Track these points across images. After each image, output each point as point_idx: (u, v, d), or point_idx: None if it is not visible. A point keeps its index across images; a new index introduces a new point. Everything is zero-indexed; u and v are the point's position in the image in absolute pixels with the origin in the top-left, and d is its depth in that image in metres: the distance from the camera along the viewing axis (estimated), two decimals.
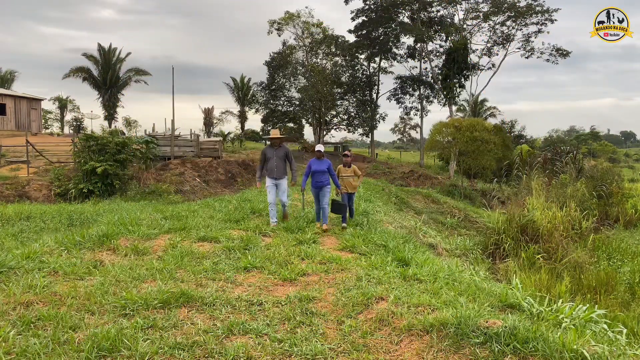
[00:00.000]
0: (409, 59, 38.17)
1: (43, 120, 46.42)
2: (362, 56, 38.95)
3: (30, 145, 19.28)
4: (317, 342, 3.57)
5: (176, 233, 7.13)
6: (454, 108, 37.02)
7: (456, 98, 35.91)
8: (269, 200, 8.24)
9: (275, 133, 8.59)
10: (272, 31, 38.74)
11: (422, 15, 35.02)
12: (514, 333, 3.39)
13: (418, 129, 49.35)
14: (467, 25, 34.35)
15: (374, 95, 39.50)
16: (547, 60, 33.28)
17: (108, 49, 43.19)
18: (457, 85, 33.47)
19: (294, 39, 39.57)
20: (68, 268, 5.10)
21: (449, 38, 34.35)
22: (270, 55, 39.39)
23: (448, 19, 35.23)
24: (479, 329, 3.53)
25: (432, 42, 35.76)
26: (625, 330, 4.50)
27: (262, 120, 40.83)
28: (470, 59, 33.48)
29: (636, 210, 17.97)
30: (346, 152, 9.27)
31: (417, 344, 3.52)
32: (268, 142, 8.28)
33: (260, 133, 46.91)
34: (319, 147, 8.46)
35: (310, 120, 40.56)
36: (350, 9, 48.04)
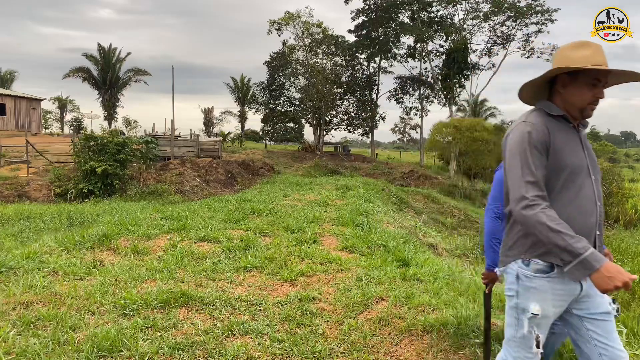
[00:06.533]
0: (409, 59, 38.13)
1: (43, 120, 46.48)
2: (362, 56, 38.91)
3: (30, 145, 19.28)
4: (317, 342, 3.57)
5: (176, 233, 7.12)
6: (454, 108, 36.99)
7: (456, 98, 35.89)
8: None
9: (600, 54, 1.95)
10: (272, 31, 38.70)
11: (422, 15, 35.02)
12: None
13: (418, 129, 49.31)
14: (467, 25, 34.35)
15: (374, 95, 39.47)
16: (548, 60, 33.22)
17: (108, 49, 43.23)
18: (457, 85, 33.46)
19: (294, 39, 39.54)
20: (68, 268, 5.10)
21: (449, 38, 34.35)
22: (270, 55, 39.40)
23: (448, 19, 35.22)
24: (479, 329, 3.53)
25: (432, 42, 35.75)
26: (625, 330, 4.49)
27: (262, 120, 40.83)
28: (470, 59, 33.46)
29: (636, 210, 17.96)
30: None
31: (417, 344, 3.52)
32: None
33: (260, 132, 46.67)
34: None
35: (310, 120, 40.51)
36: (350, 9, 48.06)
